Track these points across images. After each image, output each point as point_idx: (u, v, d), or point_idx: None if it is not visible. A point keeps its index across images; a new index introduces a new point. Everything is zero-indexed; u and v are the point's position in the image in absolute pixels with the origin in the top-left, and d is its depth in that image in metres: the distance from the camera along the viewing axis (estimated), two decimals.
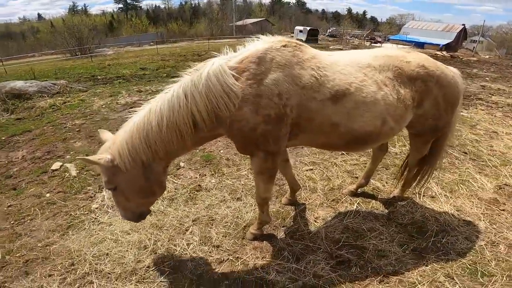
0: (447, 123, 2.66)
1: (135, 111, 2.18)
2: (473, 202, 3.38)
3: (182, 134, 1.98)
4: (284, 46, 2.06)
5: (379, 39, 40.32)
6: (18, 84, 8.36)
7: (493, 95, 9.01)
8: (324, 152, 4.44)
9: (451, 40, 33.16)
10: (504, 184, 3.77)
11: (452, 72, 2.55)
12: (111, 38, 41.22)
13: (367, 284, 2.33)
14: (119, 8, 76.42)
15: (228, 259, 2.57)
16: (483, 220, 3.08)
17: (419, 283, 2.32)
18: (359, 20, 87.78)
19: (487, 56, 25.52)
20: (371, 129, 2.19)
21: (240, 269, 2.46)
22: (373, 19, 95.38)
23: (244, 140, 2.11)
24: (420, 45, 34.68)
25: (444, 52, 25.38)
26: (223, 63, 1.96)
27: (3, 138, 5.22)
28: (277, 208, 3.24)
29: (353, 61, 2.23)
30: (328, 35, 46.68)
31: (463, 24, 40.42)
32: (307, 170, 3.98)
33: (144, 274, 2.39)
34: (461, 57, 22.92)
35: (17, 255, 2.60)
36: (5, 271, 2.44)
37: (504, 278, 2.37)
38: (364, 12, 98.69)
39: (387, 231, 2.91)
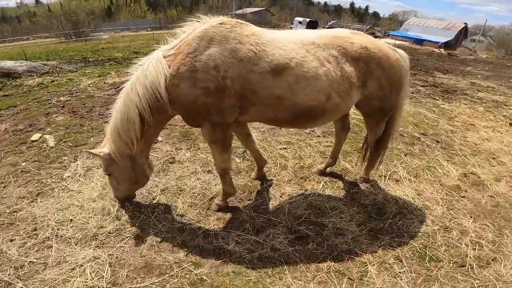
0: (394, 105, 2.73)
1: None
2: (434, 187, 3.50)
3: (136, 123, 2.25)
4: (221, 23, 2.18)
5: (379, 34, 40.07)
6: (8, 63, 8.34)
7: (480, 91, 9.11)
8: (300, 133, 4.54)
9: (451, 38, 33.06)
10: (470, 173, 3.89)
11: (397, 54, 2.61)
12: (109, 23, 40.66)
13: (321, 261, 2.42)
14: None
15: (190, 228, 2.66)
16: (441, 205, 3.19)
17: (370, 263, 2.41)
18: (360, 15, 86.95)
19: (484, 56, 25.51)
20: (315, 103, 2.29)
21: (200, 238, 2.56)
22: (375, 14, 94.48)
23: (187, 112, 2.30)
24: (419, 42, 34.55)
25: (442, 50, 25.37)
26: (160, 53, 2.16)
27: None
28: (245, 182, 3.34)
29: (297, 38, 2.33)
30: (327, 27, 46.32)
31: (465, 23, 40.23)
32: (281, 149, 4.08)
33: (105, 239, 2.48)
34: (458, 55, 22.95)
35: None
36: None
37: (451, 264, 2.45)
38: (367, 7, 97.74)
39: (348, 210, 3.01)
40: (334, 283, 2.23)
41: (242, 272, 2.27)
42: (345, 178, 3.58)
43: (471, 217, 3.04)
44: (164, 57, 2.15)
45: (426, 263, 2.46)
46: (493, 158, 4.38)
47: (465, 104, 7.31)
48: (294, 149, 4.09)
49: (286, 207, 2.99)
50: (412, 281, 2.28)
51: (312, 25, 35.90)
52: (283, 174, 3.53)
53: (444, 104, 6.95)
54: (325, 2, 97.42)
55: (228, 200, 2.94)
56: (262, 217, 2.85)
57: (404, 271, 2.36)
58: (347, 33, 2.51)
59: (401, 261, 2.46)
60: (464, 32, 40.93)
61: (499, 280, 2.33)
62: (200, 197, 3.06)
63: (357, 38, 2.45)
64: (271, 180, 3.42)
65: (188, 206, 2.93)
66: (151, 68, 2.12)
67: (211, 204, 2.94)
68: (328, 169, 3.61)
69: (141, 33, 28.20)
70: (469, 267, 2.44)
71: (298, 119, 2.40)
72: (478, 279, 2.33)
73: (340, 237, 2.66)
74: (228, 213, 2.87)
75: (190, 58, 2.09)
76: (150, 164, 2.74)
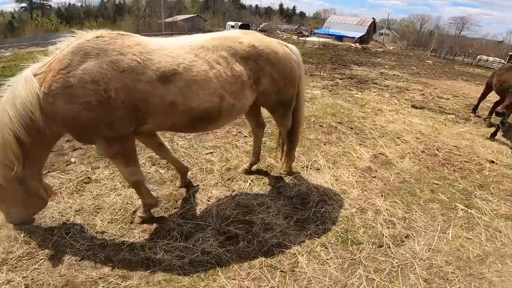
0: (292, 97, 2.92)
1: None
2: (350, 171, 3.86)
3: (13, 146, 2.08)
4: (98, 37, 2.13)
5: (306, 33, 42.92)
6: None
7: (387, 79, 10.42)
8: (227, 136, 4.61)
9: (364, 33, 37.07)
10: (379, 153, 4.40)
11: (286, 49, 2.79)
12: (12, 39, 35.79)
13: (253, 257, 2.44)
14: (22, 7, 66.54)
15: (113, 243, 2.50)
16: (356, 188, 3.50)
17: (299, 254, 2.48)
18: (289, 15, 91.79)
19: (391, 47, 29.20)
20: (210, 105, 2.34)
21: (126, 252, 2.42)
22: (301, 14, 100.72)
23: (73, 129, 2.21)
24: (339, 38, 37.98)
25: (357, 44, 28.34)
26: (29, 72, 2.05)
27: None
28: (170, 191, 3.26)
29: (187, 44, 2.36)
30: (259, 30, 47.89)
31: (373, 18, 45.44)
32: (207, 154, 4.08)
33: (16, 263, 2.24)
34: (371, 48, 25.95)
35: None
36: None
37: (370, 245, 2.61)
38: (294, 8, 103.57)
39: (274, 204, 3.12)
40: (268, 277, 2.27)
41: (174, 279, 2.21)
42: (271, 173, 3.72)
43: (382, 195, 3.39)
44: (34, 75, 2.02)
45: (349, 247, 2.59)
46: (398, 138, 5.04)
47: (375, 92, 8.28)
48: (221, 152, 4.13)
49: (214, 210, 2.98)
50: (340, 266, 2.41)
51: (244, 28, 36.81)
52: (210, 178, 3.54)
53: (357, 94, 7.75)
54: (256, 5, 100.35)
55: (152, 211, 2.84)
56: (190, 222, 2.81)
57: (331, 257, 2.49)
58: (237, 34, 2.60)
59: (327, 248, 2.58)
60: (373, 27, 46.19)
61: (416, 258, 2.54)
62: (121, 212, 2.89)
63: (246, 38, 2.55)
64: (197, 185, 3.39)
65: (108, 222, 2.74)
66: (20, 88, 1.99)
67: (134, 218, 2.81)
68: (254, 167, 3.73)
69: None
70: (386, 246, 2.63)
71: (197, 123, 2.42)
72: (396, 258, 2.52)
73: (269, 232, 2.73)
74: (154, 224, 2.76)
75: (62, 74, 2.00)
76: (46, 186, 2.54)
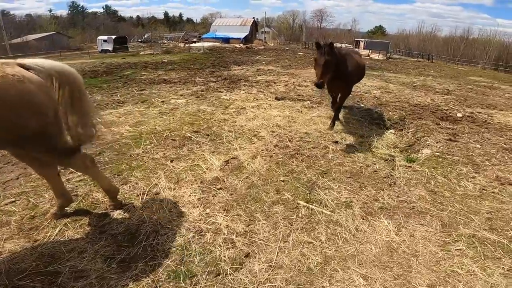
0: (42, 128, 2.19)
1: None
2: (193, 188, 3.43)
3: None
4: None
5: (194, 39, 42.43)
6: None
7: (259, 75, 10.75)
8: (41, 178, 3.63)
9: (247, 33, 38.91)
10: (232, 158, 4.13)
11: (8, 70, 2.04)
12: None
13: None
14: None
15: None
16: (198, 207, 3.09)
17: None
18: (175, 23, 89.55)
19: (272, 44, 31.45)
20: None
21: None
22: (189, 20, 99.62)
23: None
24: (226, 40, 38.92)
25: (241, 45, 29.51)
26: None
27: None
28: None
29: None
30: (141, 41, 44.98)
31: (254, 18, 48.30)
32: (6, 204, 3.09)
33: None
34: (254, 47, 27.37)
35: None
36: None
37: (206, 276, 2.28)
38: (180, 14, 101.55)
39: (92, 247, 2.50)
40: None
41: None
42: (95, 211, 3.02)
43: (225, 210, 3.06)
44: None
45: (181, 283, 2.21)
46: (254, 136, 4.93)
47: (244, 90, 8.31)
48: (27, 199, 3.18)
49: (4, 266, 2.27)
50: None
51: (121, 41, 33.84)
52: (3, 232, 2.64)
53: (225, 95, 7.59)
54: (138, 16, 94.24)
55: None
56: None
57: None
58: None
59: (157, 287, 2.18)
60: (255, 26, 49.16)
61: (254, 282, 2.26)
62: None
63: None
64: None
65: None
66: None
67: None
68: (70, 208, 2.96)
69: None
70: (224, 274, 2.30)
71: None
72: (234, 286, 2.21)
73: (81, 280, 2.19)
74: None
75: None
76: None
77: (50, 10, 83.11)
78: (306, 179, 3.70)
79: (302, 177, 3.74)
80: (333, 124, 5.41)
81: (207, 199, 3.25)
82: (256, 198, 3.30)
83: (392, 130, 5.55)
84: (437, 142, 5.10)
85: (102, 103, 6.84)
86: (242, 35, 39.61)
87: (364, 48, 35.39)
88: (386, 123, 5.89)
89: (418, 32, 58.61)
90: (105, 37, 32.62)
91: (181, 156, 4.16)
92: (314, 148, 4.57)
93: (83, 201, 3.14)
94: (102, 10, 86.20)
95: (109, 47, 31.07)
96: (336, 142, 4.83)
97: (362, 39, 41.20)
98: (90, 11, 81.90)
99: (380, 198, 3.42)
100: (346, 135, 5.14)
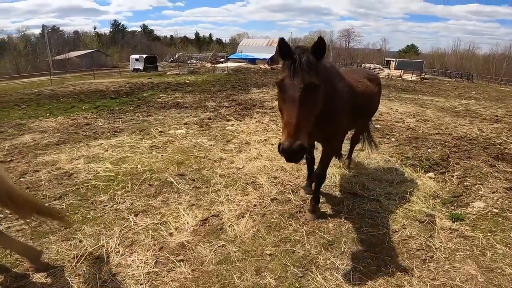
0: None
1: None
2: (147, 256, 2.59)
3: None
4: None
5: (222, 60, 43.15)
6: None
7: (276, 101, 9.93)
8: None
9: (273, 54, 38.61)
10: (213, 215, 3.24)
11: None
12: None
13: None
14: None
15: None
16: (142, 285, 2.30)
17: None
18: (206, 43, 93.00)
19: None
20: None
21: None
22: (218, 40, 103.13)
23: None
24: (252, 61, 38.93)
25: (266, 65, 29.17)
26: None
27: None
28: None
29: None
30: (171, 60, 46.66)
31: (280, 38, 48.16)
32: None
33: None
34: (279, 68, 26.87)
35: None
36: None
37: None
38: (210, 35, 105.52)
39: None
40: None
41: None
42: (15, 269, 2.33)
43: None
44: None
45: None
46: (251, 183, 4.02)
47: (256, 118, 7.49)
48: None
49: None
50: None
51: (152, 60, 35.16)
52: None
53: (233, 125, 6.81)
54: (171, 35, 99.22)
55: None
56: None
57: None
58: None
59: None
60: None
61: None
62: None
63: None
64: None
65: None
66: None
67: None
68: None
69: None
70: None
71: None
72: None
73: None
74: None
75: None
76: None
77: (95, 28, 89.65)
78: (302, 254, 2.70)
79: (297, 250, 2.74)
80: (313, 209, 3.23)
81: (158, 275, 2.42)
82: (224, 281, 2.38)
83: (431, 174, 4.37)
84: (493, 192, 3.86)
85: (99, 131, 6.36)
86: (268, 55, 39.45)
87: (395, 68, 33.61)
88: (424, 164, 4.69)
89: (455, 50, 55.16)
90: (137, 56, 34.04)
91: (150, 209, 3.34)
92: (324, 203, 3.55)
93: (8, 256, 2.49)
94: (139, 29, 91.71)
95: (140, 66, 32.27)
96: (355, 194, 3.77)
97: (393, 59, 39.33)
98: (129, 29, 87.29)
99: (405, 284, 2.33)
100: (369, 183, 4.05)
